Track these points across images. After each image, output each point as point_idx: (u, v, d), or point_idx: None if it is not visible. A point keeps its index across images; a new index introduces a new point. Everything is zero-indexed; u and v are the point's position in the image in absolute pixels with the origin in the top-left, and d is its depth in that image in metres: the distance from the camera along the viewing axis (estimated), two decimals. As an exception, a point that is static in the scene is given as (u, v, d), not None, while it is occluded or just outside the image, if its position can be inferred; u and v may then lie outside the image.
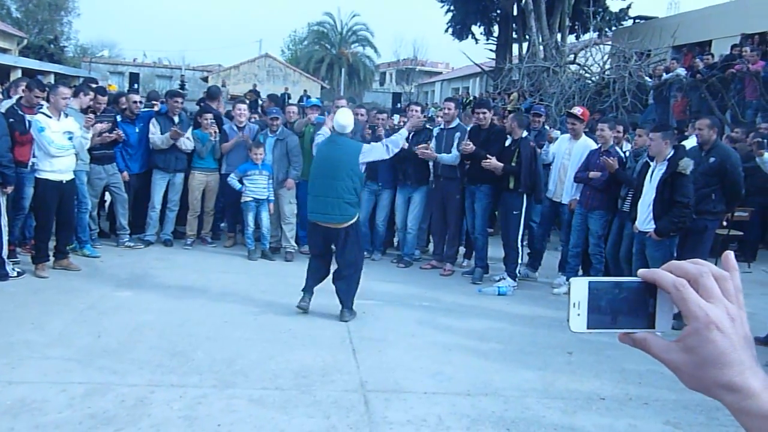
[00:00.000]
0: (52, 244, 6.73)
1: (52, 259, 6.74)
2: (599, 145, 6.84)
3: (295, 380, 4.35)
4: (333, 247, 5.80)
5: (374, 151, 5.87)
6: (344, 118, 5.66)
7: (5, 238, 6.26)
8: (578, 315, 0.79)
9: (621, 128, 7.16)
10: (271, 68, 40.69)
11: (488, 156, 6.91)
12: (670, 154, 5.72)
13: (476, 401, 4.23)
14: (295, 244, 8.01)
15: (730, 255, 0.78)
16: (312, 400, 4.05)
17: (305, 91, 31.70)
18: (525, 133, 7.22)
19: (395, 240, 8.74)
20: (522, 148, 6.93)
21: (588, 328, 0.79)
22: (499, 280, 7.21)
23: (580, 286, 0.79)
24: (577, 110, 7.52)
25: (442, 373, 4.65)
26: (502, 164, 6.92)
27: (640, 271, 0.78)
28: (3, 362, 4.35)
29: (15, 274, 6.31)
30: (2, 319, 5.22)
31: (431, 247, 8.37)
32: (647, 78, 14.42)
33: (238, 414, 3.85)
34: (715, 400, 0.73)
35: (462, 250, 8.16)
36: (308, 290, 5.77)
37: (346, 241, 5.66)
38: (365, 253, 8.09)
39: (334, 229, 5.60)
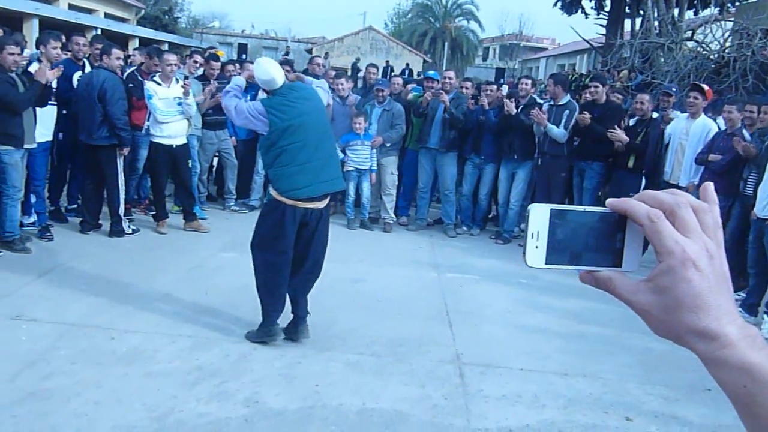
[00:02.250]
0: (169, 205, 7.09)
1: (183, 221, 7.10)
2: (725, 128, 6.48)
3: (391, 348, 4.40)
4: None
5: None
6: (263, 70, 4.19)
7: (122, 197, 6.63)
8: (536, 248, 0.69)
9: (755, 108, 6.73)
10: (374, 41, 40.78)
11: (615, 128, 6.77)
12: (796, 137, 5.35)
13: (573, 382, 4.15)
14: (393, 216, 8.07)
15: (709, 186, 0.68)
16: (407, 369, 4.09)
17: (407, 64, 31.63)
18: (655, 114, 7.06)
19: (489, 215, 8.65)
20: (652, 128, 6.78)
21: (546, 263, 0.69)
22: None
23: (540, 214, 0.69)
24: (704, 86, 7.14)
25: (538, 351, 4.58)
26: (627, 138, 6.74)
27: (609, 200, 0.68)
28: (119, 312, 4.63)
29: (130, 231, 6.68)
30: (119, 272, 5.54)
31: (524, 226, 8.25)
32: (771, 57, 13.49)
33: (335, 376, 3.94)
34: (687, 349, 0.65)
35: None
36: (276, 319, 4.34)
37: (323, 221, 4.33)
38: (464, 228, 8.10)
39: (316, 210, 4.21)
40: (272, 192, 4.16)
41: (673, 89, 8.34)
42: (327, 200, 4.29)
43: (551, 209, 0.69)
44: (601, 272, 0.70)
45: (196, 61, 7.77)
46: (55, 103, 6.36)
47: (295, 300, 4.37)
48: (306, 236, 4.25)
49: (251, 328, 4.54)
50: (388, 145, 7.86)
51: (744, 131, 6.38)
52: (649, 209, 0.65)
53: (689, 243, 0.63)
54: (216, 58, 8.30)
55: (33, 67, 5.98)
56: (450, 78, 7.81)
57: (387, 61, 31.52)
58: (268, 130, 4.11)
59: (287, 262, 4.21)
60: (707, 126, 6.73)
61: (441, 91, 7.54)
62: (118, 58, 6.58)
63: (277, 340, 4.26)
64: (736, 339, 0.62)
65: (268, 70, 4.18)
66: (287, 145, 4.07)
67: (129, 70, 7.49)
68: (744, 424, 0.63)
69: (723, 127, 6.55)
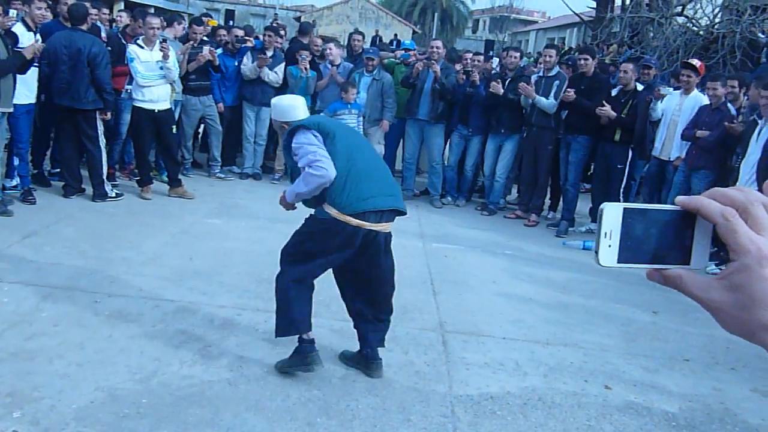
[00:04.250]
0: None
1: (167, 187, 7.04)
2: (710, 102, 6.49)
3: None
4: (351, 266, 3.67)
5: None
6: (282, 103, 3.78)
7: (105, 159, 6.56)
8: (609, 247, 0.68)
9: (736, 83, 6.74)
10: (363, 10, 40.35)
11: (603, 104, 6.76)
12: (782, 113, 5.37)
13: (555, 350, 4.20)
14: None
15: None
16: (391, 335, 4.08)
17: (395, 35, 31.36)
18: (640, 87, 7.05)
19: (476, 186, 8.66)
20: (638, 100, 6.80)
21: (618, 262, 0.69)
22: (585, 232, 7.18)
23: (613, 213, 0.68)
24: (696, 62, 7.13)
25: (521, 321, 4.62)
26: (615, 114, 6.75)
27: (679, 198, 0.68)
28: (103, 276, 4.61)
29: (114, 195, 6.62)
30: (103, 237, 5.50)
31: (510, 197, 8.31)
32: (760, 34, 13.48)
33: (319, 342, 3.92)
34: (760, 346, 0.65)
35: (548, 201, 8.02)
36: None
37: (388, 249, 3.62)
38: (449, 198, 8.10)
39: (377, 232, 3.46)
40: (329, 210, 3.38)
41: (653, 61, 8.33)
42: (392, 222, 3.55)
43: (624, 208, 0.69)
44: (670, 270, 0.70)
45: (179, 23, 7.66)
46: (38, 65, 6.24)
47: (363, 337, 3.73)
48: (368, 266, 3.58)
49: (237, 292, 4.54)
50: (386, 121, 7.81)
51: (729, 105, 6.41)
52: (722, 207, 0.65)
53: (764, 241, 0.64)
54: (199, 21, 8.17)
55: (17, 29, 5.89)
56: (438, 47, 7.73)
57: (376, 31, 31.26)
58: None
59: (316, 276, 3.63)
60: (699, 101, 6.74)
61: (432, 61, 7.49)
62: (39, 9, 6.22)
63: (315, 371, 3.55)
64: None
65: (292, 99, 3.83)
66: (342, 151, 3.38)
67: (106, 32, 7.39)
68: None
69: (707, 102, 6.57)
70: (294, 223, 6.48)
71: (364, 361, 3.70)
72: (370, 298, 3.68)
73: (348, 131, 3.70)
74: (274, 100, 3.83)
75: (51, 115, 6.60)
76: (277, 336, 3.59)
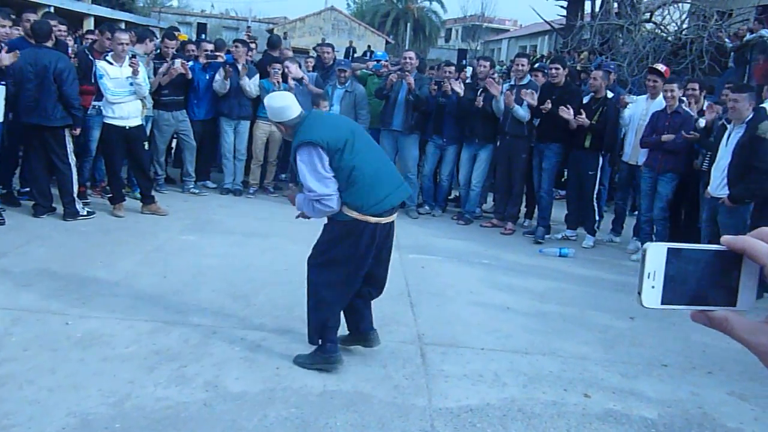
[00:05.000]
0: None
1: (140, 204, 6.95)
2: (664, 106, 6.58)
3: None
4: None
5: None
6: (275, 100, 3.85)
7: (75, 177, 6.46)
8: (652, 288, 0.67)
9: (696, 86, 6.83)
10: (336, 22, 40.41)
11: (578, 114, 6.85)
12: (749, 117, 5.44)
13: (534, 360, 4.19)
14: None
15: None
16: (369, 349, 4.07)
17: (369, 46, 31.44)
18: (610, 94, 7.18)
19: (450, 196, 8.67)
20: (608, 107, 6.90)
21: (662, 303, 0.68)
22: (562, 239, 7.24)
23: (657, 253, 0.67)
24: (661, 67, 7.24)
25: (499, 331, 4.61)
26: (588, 121, 6.82)
27: (725, 238, 0.67)
28: (75, 297, 4.52)
29: (85, 213, 6.52)
30: (74, 256, 5.41)
31: (486, 206, 8.34)
32: (726, 40, 13.72)
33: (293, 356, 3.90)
34: None
35: (523, 209, 8.05)
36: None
37: (392, 235, 3.91)
38: (426, 207, 8.09)
39: (389, 224, 3.78)
40: (350, 213, 3.57)
41: (611, 67, 8.45)
42: (396, 213, 3.82)
43: (668, 248, 0.67)
44: (716, 312, 0.68)
45: (151, 40, 7.55)
46: (4, 83, 6.13)
47: (361, 315, 3.98)
48: (379, 252, 3.80)
49: (212, 310, 4.48)
50: None
51: (686, 108, 6.49)
52: None
53: None
54: (171, 36, 8.11)
55: None
56: (410, 58, 7.73)
57: (350, 42, 31.28)
58: (330, 159, 3.55)
59: (359, 282, 3.78)
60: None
61: (406, 72, 7.49)
62: (2, 27, 6.10)
63: (338, 368, 3.76)
64: None
65: (281, 98, 3.83)
66: (355, 161, 3.56)
67: (72, 48, 7.30)
68: None
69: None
70: (269, 238, 6.45)
71: (365, 335, 3.98)
72: (376, 277, 3.91)
73: (353, 130, 3.73)
74: (266, 100, 3.88)
75: (19, 133, 6.49)
76: (310, 342, 3.81)
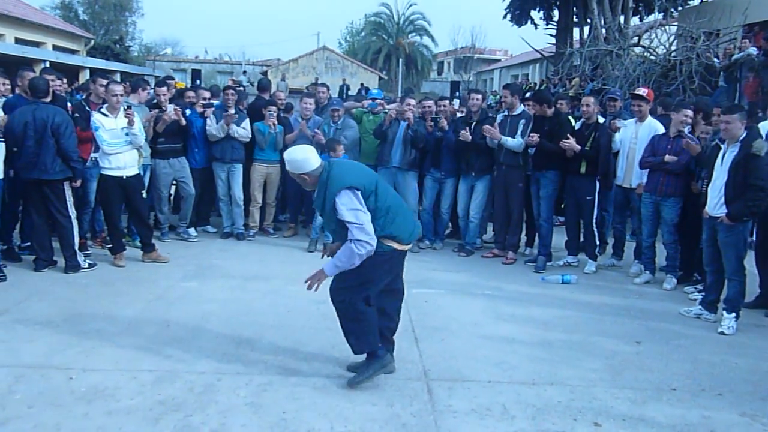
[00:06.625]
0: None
1: (141, 252, 6.97)
2: (665, 131, 6.66)
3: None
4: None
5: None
6: (296, 155, 4.02)
7: (76, 230, 6.48)
8: None
9: (689, 113, 6.86)
10: (329, 60, 40.96)
11: (569, 139, 6.96)
12: (743, 136, 5.48)
13: (541, 390, 4.15)
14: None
15: None
16: (375, 388, 4.05)
17: (362, 84, 31.78)
18: (602, 119, 7.30)
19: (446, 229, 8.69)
20: (600, 133, 6.99)
21: None
22: (563, 265, 7.24)
23: None
24: (642, 91, 7.33)
25: (505, 362, 4.58)
26: (579, 147, 6.90)
27: None
28: (77, 350, 4.50)
29: (86, 265, 6.52)
30: (76, 309, 5.40)
31: (486, 236, 8.34)
32: (715, 59, 13.87)
33: (303, 401, 3.88)
34: None
35: (524, 237, 8.05)
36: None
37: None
38: (427, 242, 8.10)
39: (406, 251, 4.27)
40: (390, 244, 4.02)
41: (618, 93, 8.51)
42: None
43: None
44: None
45: (144, 89, 7.61)
46: (3, 140, 6.19)
47: (384, 337, 4.30)
48: (399, 270, 4.33)
49: (216, 356, 4.46)
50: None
51: (689, 134, 6.56)
52: None
53: None
54: (162, 83, 8.18)
55: None
56: (411, 105, 7.85)
57: (343, 79, 31.68)
58: (367, 203, 3.93)
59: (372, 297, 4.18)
60: (654, 127, 6.96)
61: (405, 109, 7.61)
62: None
63: (394, 369, 4.26)
64: None
65: (302, 151, 4.03)
66: (388, 200, 4.04)
67: (71, 101, 7.39)
68: None
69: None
70: (270, 280, 6.44)
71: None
72: (400, 290, 4.41)
73: (375, 174, 4.21)
74: (287, 156, 4.08)
75: (18, 188, 6.52)
76: (356, 353, 4.16)
